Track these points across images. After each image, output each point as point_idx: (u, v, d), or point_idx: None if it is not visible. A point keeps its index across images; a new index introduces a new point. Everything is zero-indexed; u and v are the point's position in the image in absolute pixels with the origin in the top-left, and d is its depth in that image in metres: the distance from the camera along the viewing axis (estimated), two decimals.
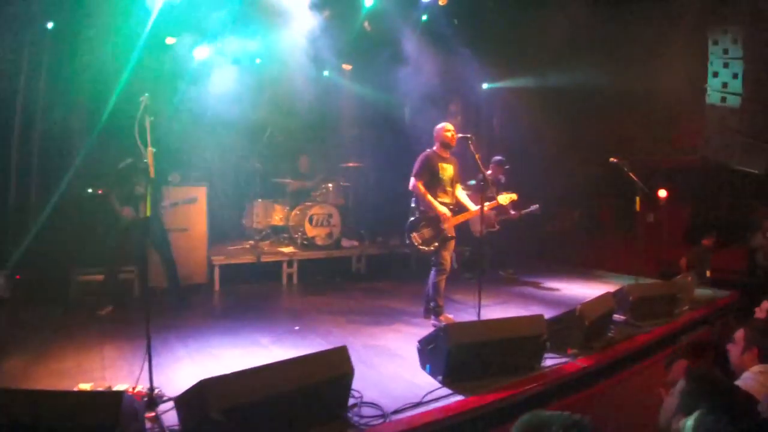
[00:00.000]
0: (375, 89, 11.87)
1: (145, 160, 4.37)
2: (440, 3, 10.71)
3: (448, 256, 6.58)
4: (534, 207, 8.95)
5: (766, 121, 9.50)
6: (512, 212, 8.88)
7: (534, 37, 10.85)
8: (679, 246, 10.52)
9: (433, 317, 6.55)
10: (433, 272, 6.59)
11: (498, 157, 9.22)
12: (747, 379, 3.52)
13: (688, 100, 10.10)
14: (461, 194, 6.83)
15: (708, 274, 9.49)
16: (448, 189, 6.62)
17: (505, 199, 6.83)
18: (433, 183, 6.51)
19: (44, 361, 5.01)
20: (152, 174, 4.47)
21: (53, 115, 8.12)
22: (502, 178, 9.14)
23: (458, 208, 6.73)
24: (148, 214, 4.52)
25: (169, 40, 9.40)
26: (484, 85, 13.19)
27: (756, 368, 3.58)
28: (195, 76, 9.34)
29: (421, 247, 6.43)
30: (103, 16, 7.87)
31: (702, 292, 8.00)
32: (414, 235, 6.44)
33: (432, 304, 6.59)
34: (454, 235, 6.62)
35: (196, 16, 8.62)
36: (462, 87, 11.96)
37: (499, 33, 11.34)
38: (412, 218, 6.52)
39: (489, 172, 8.92)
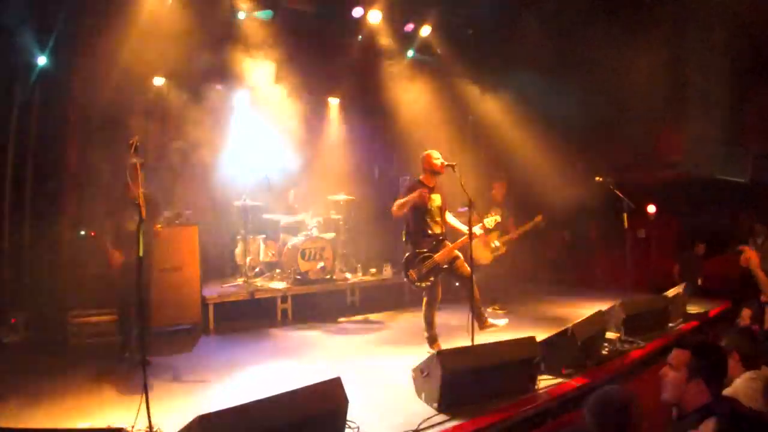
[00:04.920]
0: (361, 119, 12.04)
1: (135, 201, 4.45)
2: (420, 35, 10.93)
3: (439, 287, 6.61)
4: (537, 219, 8.91)
5: (746, 129, 9.65)
6: (514, 233, 8.89)
7: (514, 64, 11.08)
8: (668, 259, 10.59)
9: (428, 346, 6.56)
10: (424, 304, 6.62)
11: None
12: (738, 386, 3.56)
13: (668, 113, 10.26)
14: (452, 220, 6.73)
15: (699, 282, 9.57)
16: (437, 219, 6.56)
17: (490, 222, 6.61)
18: (422, 214, 6.46)
19: (42, 403, 5.03)
20: (144, 215, 4.55)
21: (46, 154, 8.19)
22: (501, 197, 9.05)
23: (446, 235, 6.69)
24: (140, 254, 4.55)
25: (156, 80, 9.56)
26: (470, 117, 13.28)
27: (748, 374, 3.62)
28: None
29: (417, 283, 6.46)
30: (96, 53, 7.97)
31: (695, 303, 8.07)
32: (411, 272, 6.45)
33: (426, 334, 6.63)
34: (447, 265, 6.52)
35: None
36: (448, 115, 12.04)
37: (481, 61, 11.55)
38: (407, 254, 6.51)
39: (492, 191, 8.97)
